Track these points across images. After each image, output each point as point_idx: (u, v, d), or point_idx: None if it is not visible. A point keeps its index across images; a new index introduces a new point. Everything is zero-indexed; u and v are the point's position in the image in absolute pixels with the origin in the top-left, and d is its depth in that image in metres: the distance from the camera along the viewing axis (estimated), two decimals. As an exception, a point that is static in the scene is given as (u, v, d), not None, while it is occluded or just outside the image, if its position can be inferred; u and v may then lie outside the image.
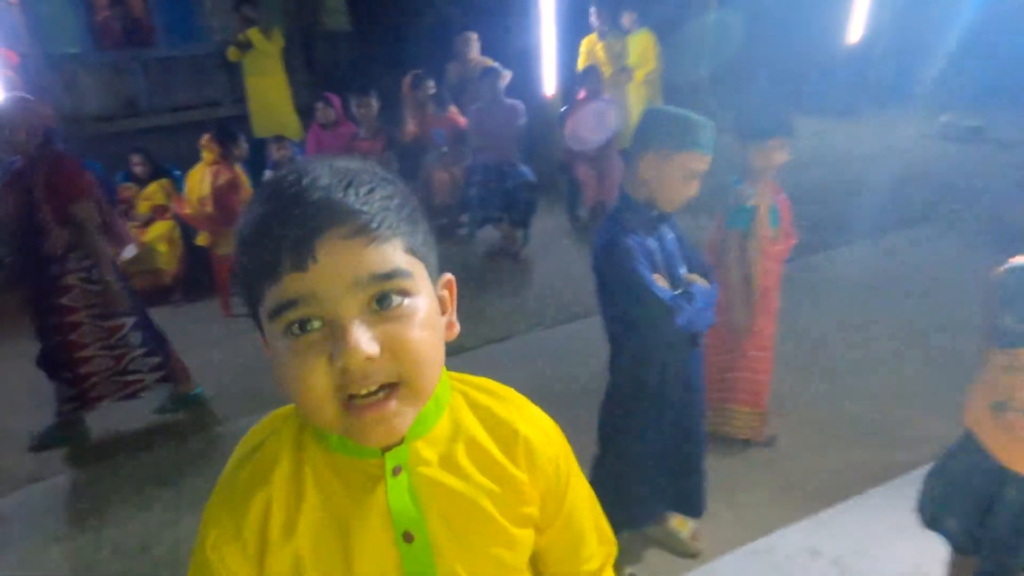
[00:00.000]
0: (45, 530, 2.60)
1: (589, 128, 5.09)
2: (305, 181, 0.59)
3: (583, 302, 3.96)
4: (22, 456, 3.06)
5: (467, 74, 5.63)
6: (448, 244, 5.19)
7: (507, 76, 5.14)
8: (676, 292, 1.83)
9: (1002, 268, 1.55)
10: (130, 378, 3.11)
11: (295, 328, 0.59)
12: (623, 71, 5.69)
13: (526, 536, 0.75)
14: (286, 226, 0.58)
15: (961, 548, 1.72)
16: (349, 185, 0.59)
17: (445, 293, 0.70)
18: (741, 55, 7.23)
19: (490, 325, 3.96)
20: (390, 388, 0.61)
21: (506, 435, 0.74)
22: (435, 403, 0.71)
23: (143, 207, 4.76)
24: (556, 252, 5.13)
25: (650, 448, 1.98)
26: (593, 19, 5.82)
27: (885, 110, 8.37)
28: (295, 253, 0.57)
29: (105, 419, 3.18)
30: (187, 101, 7.28)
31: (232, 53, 5.69)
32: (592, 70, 5.37)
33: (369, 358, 0.58)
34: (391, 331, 0.60)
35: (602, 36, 5.87)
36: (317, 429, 0.69)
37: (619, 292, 1.84)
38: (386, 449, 0.68)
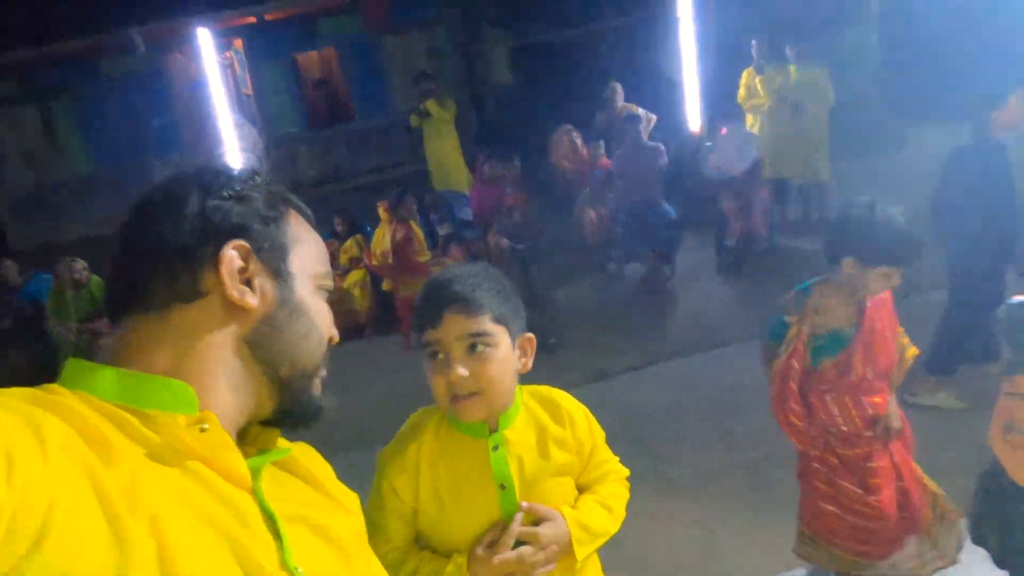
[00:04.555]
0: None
1: (729, 161, 5.28)
2: (445, 278, 1.17)
3: (725, 330, 4.30)
4: None
5: (613, 121, 6.07)
6: (597, 278, 5.62)
7: (652, 120, 5.50)
8: None
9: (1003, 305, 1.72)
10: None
11: (432, 356, 1.15)
12: (787, 105, 5.52)
13: (567, 480, 1.27)
14: (430, 303, 1.15)
15: (1001, 563, 1.81)
16: (464, 281, 1.15)
17: (526, 345, 1.22)
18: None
19: (633, 354, 4.30)
20: (473, 394, 1.14)
21: (556, 410, 1.27)
22: (515, 408, 1.23)
23: (343, 259, 5.75)
24: (701, 284, 5.33)
25: None
26: (753, 52, 5.72)
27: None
28: (433, 318, 1.14)
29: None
30: (379, 164, 8.51)
31: (414, 121, 6.65)
32: (735, 106, 5.58)
33: (462, 377, 1.12)
34: (476, 366, 1.13)
35: (759, 70, 5.72)
36: (450, 419, 1.22)
37: None
38: (491, 433, 1.20)
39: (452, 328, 1.12)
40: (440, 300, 1.13)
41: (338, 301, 5.32)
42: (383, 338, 5.45)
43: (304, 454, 0.78)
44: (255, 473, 0.66)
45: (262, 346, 0.68)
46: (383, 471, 1.22)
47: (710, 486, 2.93)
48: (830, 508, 2.01)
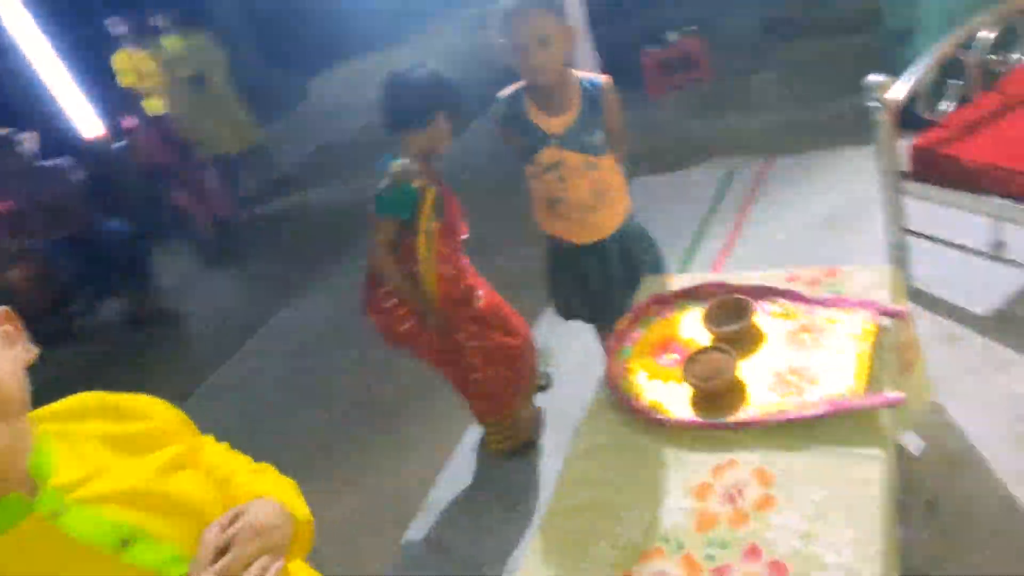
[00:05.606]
0: None
1: (155, 151, 4.63)
2: None
3: (250, 321, 3.93)
4: None
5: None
6: (72, 343, 4.37)
7: (29, 138, 4.34)
8: None
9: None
10: None
11: None
12: (184, 79, 5.01)
13: (186, 475, 0.81)
14: None
15: (592, 320, 2.07)
16: None
17: (8, 327, 0.75)
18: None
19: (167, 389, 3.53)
20: None
21: (110, 410, 0.81)
22: (45, 442, 0.73)
23: None
24: (200, 291, 4.69)
25: None
26: (119, 29, 4.92)
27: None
28: None
29: None
30: None
31: None
32: (125, 94, 4.84)
33: None
34: None
35: (134, 46, 5.00)
36: None
37: None
38: (36, 495, 0.69)
39: None
40: None
41: None
42: None
43: None
44: None
45: None
46: None
47: (345, 433, 2.75)
48: (500, 371, 2.04)
